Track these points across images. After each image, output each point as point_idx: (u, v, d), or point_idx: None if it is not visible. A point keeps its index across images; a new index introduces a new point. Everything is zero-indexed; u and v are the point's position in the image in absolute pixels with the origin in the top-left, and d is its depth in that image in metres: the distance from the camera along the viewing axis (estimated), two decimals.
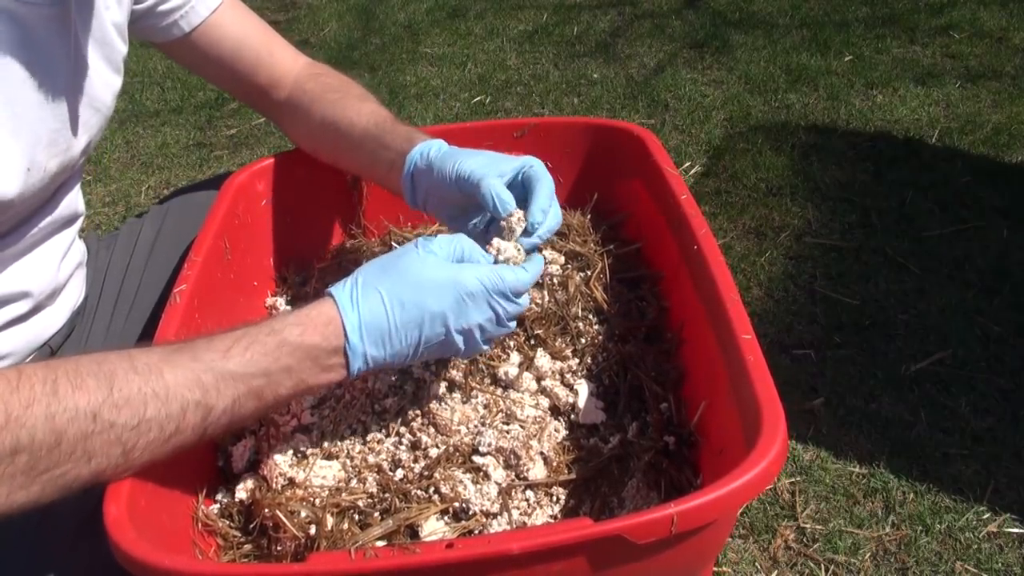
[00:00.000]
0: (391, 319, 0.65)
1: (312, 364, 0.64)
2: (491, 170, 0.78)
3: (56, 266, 0.86)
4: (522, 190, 0.79)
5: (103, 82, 0.83)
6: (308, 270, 1.04)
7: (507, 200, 0.75)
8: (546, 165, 0.79)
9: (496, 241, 0.74)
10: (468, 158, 0.79)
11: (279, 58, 0.98)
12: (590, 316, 0.89)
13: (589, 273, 0.93)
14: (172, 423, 0.58)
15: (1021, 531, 1.21)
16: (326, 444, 0.78)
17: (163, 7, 0.89)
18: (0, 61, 0.67)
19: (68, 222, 0.88)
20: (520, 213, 0.76)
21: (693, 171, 2.10)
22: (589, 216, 1.02)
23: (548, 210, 0.77)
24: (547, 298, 0.89)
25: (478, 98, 2.57)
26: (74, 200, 0.89)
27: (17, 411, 0.53)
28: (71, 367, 0.57)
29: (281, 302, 1.00)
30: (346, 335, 0.64)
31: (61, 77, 0.75)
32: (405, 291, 0.66)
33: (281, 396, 0.64)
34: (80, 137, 0.81)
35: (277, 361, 0.62)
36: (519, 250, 0.74)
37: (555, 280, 0.92)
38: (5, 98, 0.69)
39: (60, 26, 0.74)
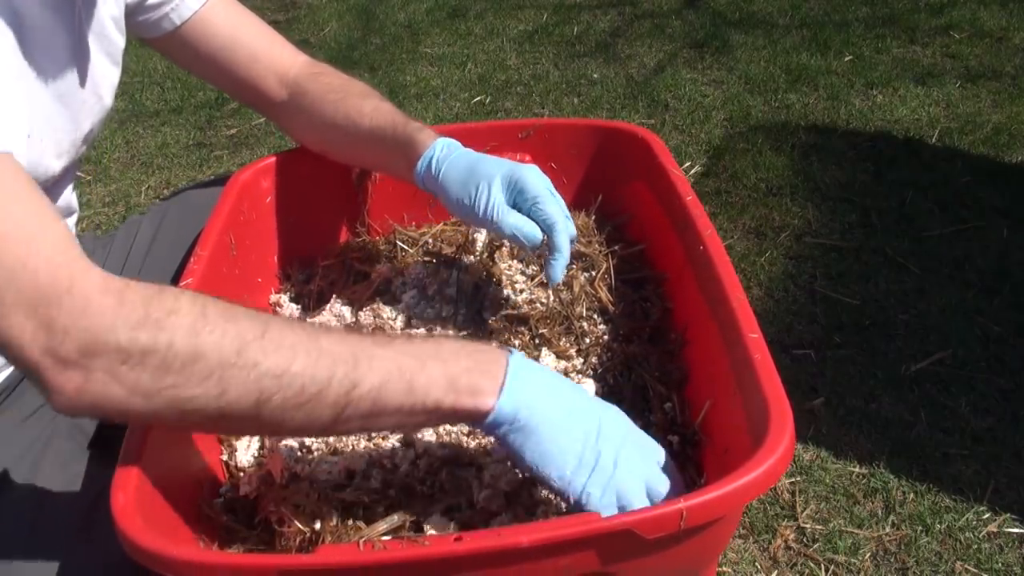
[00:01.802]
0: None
1: (466, 372, 0.60)
2: (505, 205, 0.80)
3: None
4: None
5: (102, 73, 0.83)
6: (312, 268, 1.04)
7: (535, 235, 0.80)
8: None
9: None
10: (483, 184, 0.81)
11: (277, 56, 0.97)
12: (595, 316, 0.89)
13: (594, 273, 0.93)
14: (315, 386, 0.55)
15: (1021, 531, 1.21)
16: (331, 439, 0.78)
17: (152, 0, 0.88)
18: None
19: (63, 217, 0.88)
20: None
21: (693, 171, 2.10)
22: (594, 217, 1.02)
23: (563, 250, 0.81)
24: (552, 298, 0.89)
25: (478, 98, 2.57)
26: (68, 197, 0.89)
27: (158, 314, 0.51)
28: (223, 303, 0.55)
29: (285, 299, 1.00)
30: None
31: (61, 60, 0.75)
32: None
33: (427, 404, 0.59)
34: (82, 122, 0.81)
35: (438, 353, 0.59)
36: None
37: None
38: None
39: (65, 12, 0.73)
